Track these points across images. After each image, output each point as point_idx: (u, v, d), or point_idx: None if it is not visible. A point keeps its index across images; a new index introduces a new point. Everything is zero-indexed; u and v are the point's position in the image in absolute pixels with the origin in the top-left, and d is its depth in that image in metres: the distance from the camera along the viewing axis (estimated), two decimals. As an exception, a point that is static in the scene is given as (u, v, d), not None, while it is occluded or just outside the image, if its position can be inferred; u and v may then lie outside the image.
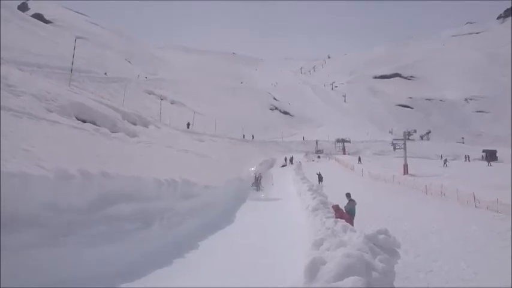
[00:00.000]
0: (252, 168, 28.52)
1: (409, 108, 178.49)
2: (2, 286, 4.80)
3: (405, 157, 48.32)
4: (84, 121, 18.98)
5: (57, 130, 13.65)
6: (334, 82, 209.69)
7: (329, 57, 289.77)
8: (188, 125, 61.00)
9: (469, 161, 64.95)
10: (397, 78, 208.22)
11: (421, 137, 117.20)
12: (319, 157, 72.44)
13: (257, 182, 24.95)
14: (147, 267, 7.22)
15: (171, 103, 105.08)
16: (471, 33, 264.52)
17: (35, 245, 5.51)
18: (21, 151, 7.22)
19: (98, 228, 6.90)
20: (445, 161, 57.18)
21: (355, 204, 14.74)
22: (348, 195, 15.55)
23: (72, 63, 40.12)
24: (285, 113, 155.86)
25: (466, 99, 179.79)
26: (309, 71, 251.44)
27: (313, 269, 3.72)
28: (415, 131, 65.38)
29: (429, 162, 60.41)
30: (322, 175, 34.01)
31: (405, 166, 46.27)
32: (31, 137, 9.39)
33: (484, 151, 73.73)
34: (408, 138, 55.01)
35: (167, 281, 6.77)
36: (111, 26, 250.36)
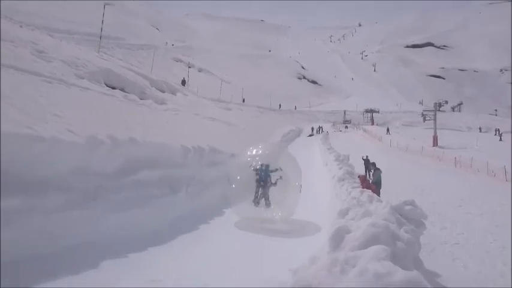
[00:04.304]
0: (253, 152, 10.34)
1: (440, 79, 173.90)
2: (28, 247, 4.97)
3: (435, 128, 47.46)
4: (113, 88, 19.18)
5: (87, 96, 13.85)
6: (364, 51, 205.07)
7: (360, 25, 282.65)
8: (183, 82, 55.75)
9: (500, 134, 61.46)
10: (430, 47, 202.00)
11: (452, 109, 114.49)
12: (346, 127, 71.90)
13: (261, 188, 9.97)
14: (173, 232, 7.38)
15: (199, 71, 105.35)
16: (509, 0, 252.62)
17: (65, 207, 5.67)
18: (52, 116, 7.36)
19: (125, 193, 7.05)
20: None
21: (381, 172, 14.62)
22: (373, 164, 15.46)
23: (101, 30, 40.34)
24: (313, 82, 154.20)
25: (501, 70, 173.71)
26: (339, 40, 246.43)
27: (337, 238, 3.72)
28: (446, 102, 63.91)
29: (460, 134, 59.15)
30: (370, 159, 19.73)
31: (435, 138, 45.48)
32: (62, 103, 9.54)
33: (517, 124, 71.57)
34: (439, 110, 53.94)
35: (192, 245, 6.93)
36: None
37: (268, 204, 9.62)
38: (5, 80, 8.97)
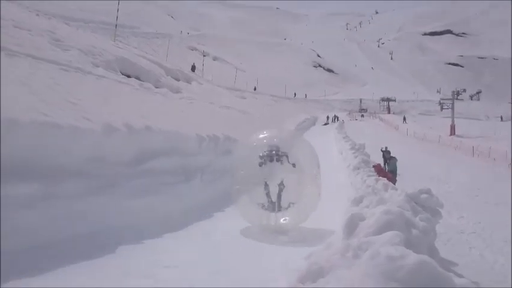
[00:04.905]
0: (261, 135, 7.68)
1: (459, 67, 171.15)
2: (45, 231, 5.07)
3: (452, 117, 46.91)
4: (128, 76, 19.28)
5: (103, 84, 13.95)
6: (381, 39, 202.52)
7: (377, 13, 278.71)
8: (193, 67, 53.69)
9: None
10: (448, 35, 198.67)
11: (471, 97, 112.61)
12: (362, 116, 71.45)
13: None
14: (188, 219, 7.45)
15: (214, 59, 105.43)
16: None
17: (82, 194, 5.76)
18: (68, 104, 7.43)
19: (141, 181, 7.11)
20: None
21: (396, 161, 14.59)
22: (388, 152, 15.39)
23: (117, 18, 40.51)
24: (329, 70, 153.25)
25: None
26: (355, 27, 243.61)
27: (351, 225, 3.71)
28: (464, 91, 62.85)
29: (478, 123, 58.31)
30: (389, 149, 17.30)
31: (452, 127, 44.97)
32: (78, 91, 9.63)
33: (537, 112, 70.22)
34: (457, 98, 53.22)
35: (208, 232, 6.98)
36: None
37: (279, 205, 6.96)
38: (23, 68, 9.09)
